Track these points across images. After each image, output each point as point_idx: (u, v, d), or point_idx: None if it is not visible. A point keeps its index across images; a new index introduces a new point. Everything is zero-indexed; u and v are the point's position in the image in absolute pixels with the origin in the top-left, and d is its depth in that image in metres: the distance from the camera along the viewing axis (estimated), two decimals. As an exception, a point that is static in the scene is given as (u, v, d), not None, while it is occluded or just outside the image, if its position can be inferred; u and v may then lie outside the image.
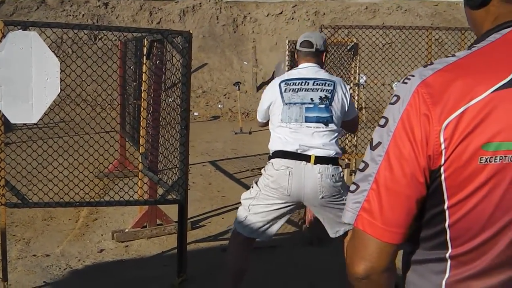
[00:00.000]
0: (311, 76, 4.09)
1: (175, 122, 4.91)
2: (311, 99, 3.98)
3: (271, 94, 4.13)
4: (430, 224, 1.38)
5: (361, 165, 1.40)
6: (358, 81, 6.81)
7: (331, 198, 3.88)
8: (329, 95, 4.01)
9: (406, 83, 1.35)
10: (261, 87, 17.83)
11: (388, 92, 8.58)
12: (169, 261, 5.01)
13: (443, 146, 1.28)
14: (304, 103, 3.98)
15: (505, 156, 1.26)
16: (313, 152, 3.85)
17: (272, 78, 12.62)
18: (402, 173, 1.32)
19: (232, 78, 17.52)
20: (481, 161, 1.27)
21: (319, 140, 3.91)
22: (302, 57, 4.20)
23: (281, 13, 19.63)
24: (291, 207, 3.95)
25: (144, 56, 5.57)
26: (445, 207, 1.33)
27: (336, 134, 4.01)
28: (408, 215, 1.34)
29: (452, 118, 1.27)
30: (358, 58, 6.68)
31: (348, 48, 6.64)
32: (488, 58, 1.33)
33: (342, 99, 4.06)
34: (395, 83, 12.53)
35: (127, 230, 5.76)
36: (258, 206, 3.94)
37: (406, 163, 1.31)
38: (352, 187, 1.41)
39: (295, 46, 4.51)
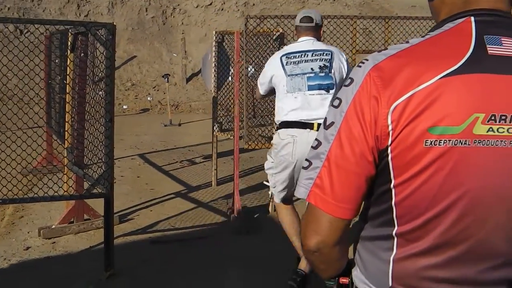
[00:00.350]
0: (309, 48, 4.42)
1: (100, 116, 4.85)
2: (312, 68, 4.33)
3: (272, 68, 4.47)
4: (378, 201, 1.44)
5: (314, 143, 1.46)
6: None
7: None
8: (327, 63, 4.35)
9: (360, 66, 1.42)
10: (190, 78, 17.76)
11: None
12: (97, 256, 4.96)
13: (390, 128, 1.34)
14: (305, 73, 4.33)
15: (449, 140, 1.32)
16: (316, 120, 4.21)
17: (200, 71, 12.61)
18: (351, 152, 1.38)
19: (161, 70, 17.37)
20: (426, 144, 1.32)
21: (321, 107, 4.23)
22: (302, 32, 4.51)
23: (211, 4, 19.57)
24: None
25: (68, 50, 5.48)
26: (392, 186, 1.39)
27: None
28: (358, 192, 1.41)
29: (400, 102, 1.33)
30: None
31: (274, 38, 6.68)
32: (440, 45, 1.38)
33: (340, 66, 4.41)
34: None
35: (53, 226, 5.66)
36: (278, 174, 4.41)
37: (356, 142, 1.37)
38: (305, 163, 1.47)
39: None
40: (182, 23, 19.30)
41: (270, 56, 4.87)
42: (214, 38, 7.19)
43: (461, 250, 1.39)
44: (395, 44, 2.01)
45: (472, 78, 1.32)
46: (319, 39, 4.56)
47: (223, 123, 7.47)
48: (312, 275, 4.27)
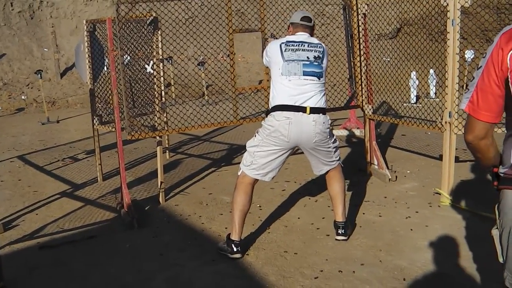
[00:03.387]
0: (306, 40, 4.96)
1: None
2: (307, 57, 4.86)
3: (273, 51, 4.93)
4: (508, 111, 2.34)
5: (471, 79, 2.35)
6: (162, 56, 6.70)
7: (321, 142, 4.84)
8: (320, 55, 4.93)
9: (497, 34, 2.27)
10: (64, 73, 17.15)
11: (192, 65, 8.63)
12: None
13: (509, 65, 2.20)
14: (302, 60, 4.84)
15: None
16: (308, 104, 4.74)
17: (74, 64, 12.16)
18: (488, 82, 2.26)
19: (33, 67, 16.66)
20: None
21: (313, 92, 4.78)
22: (301, 28, 5.05)
23: (79, -6, 18.93)
24: (287, 152, 4.91)
25: None
26: None
27: (324, 88, 4.93)
28: (495, 104, 2.28)
29: None
30: (159, 33, 6.55)
31: (148, 22, 6.49)
32: None
33: (326, 61, 5.00)
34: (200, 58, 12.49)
35: None
36: (261, 152, 4.84)
37: (491, 76, 2.25)
38: (466, 90, 2.37)
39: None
40: (51, 16, 18.56)
41: (144, 43, 5.24)
42: (85, 27, 6.90)
43: None
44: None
45: None
46: (312, 36, 5.10)
47: (103, 115, 7.21)
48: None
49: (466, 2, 5.65)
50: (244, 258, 4.77)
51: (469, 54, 13.33)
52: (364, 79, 7.00)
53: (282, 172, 7.32)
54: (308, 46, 4.93)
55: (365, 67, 6.97)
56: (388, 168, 6.96)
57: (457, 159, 7.57)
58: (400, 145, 8.86)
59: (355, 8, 6.98)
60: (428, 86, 13.79)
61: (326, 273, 4.45)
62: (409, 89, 12.95)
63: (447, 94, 5.87)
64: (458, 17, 5.72)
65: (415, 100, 13.14)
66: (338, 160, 5.15)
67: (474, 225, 5.33)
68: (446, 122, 5.86)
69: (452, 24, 5.74)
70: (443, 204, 5.90)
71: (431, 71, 13.07)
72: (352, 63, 7.19)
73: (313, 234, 5.26)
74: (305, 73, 4.81)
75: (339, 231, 5.09)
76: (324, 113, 4.83)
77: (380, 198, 6.14)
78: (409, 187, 6.61)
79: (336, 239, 5.08)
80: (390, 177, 6.76)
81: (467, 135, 2.39)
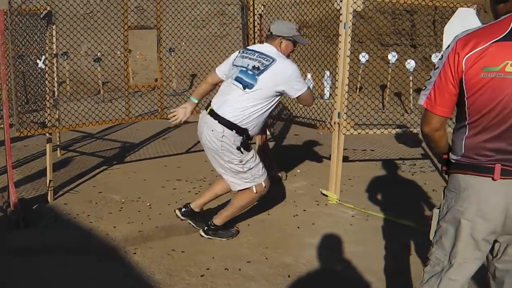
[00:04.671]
0: (258, 50, 4.88)
1: None
2: (248, 65, 4.74)
3: (231, 56, 5.02)
4: (460, 107, 2.61)
5: (429, 78, 2.66)
6: (56, 51, 6.51)
7: (211, 150, 4.79)
8: (262, 67, 4.69)
9: (454, 39, 2.55)
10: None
11: (87, 61, 8.43)
12: None
13: (464, 68, 2.49)
14: (241, 66, 4.76)
15: (492, 74, 2.44)
16: (215, 106, 4.71)
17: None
18: (445, 81, 2.57)
19: None
20: (481, 76, 2.47)
21: (232, 100, 4.66)
22: (268, 39, 5.01)
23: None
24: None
25: None
26: (465, 98, 2.55)
27: (251, 103, 4.63)
28: (449, 101, 2.60)
29: (468, 56, 2.47)
30: (54, 27, 6.36)
31: (42, 16, 6.28)
32: (492, 28, 2.51)
33: (276, 78, 4.67)
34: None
35: None
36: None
37: (447, 77, 2.56)
38: (424, 88, 2.68)
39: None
40: None
41: (38, 37, 5.29)
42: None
43: (500, 131, 2.52)
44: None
45: (506, 43, 2.44)
46: (277, 48, 4.93)
47: (-10, 112, 6.91)
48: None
49: (359, 6, 5.81)
50: (131, 257, 4.72)
51: (363, 57, 13.73)
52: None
53: (175, 170, 7.33)
54: (257, 56, 4.81)
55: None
56: (278, 167, 7.07)
57: (346, 159, 7.81)
58: (292, 145, 9.02)
59: (251, 8, 7.04)
60: (324, 87, 14.10)
61: (212, 270, 4.47)
62: (324, 87, 13.22)
63: (336, 95, 6.03)
64: (350, 20, 5.87)
65: (328, 97, 13.38)
66: (243, 184, 4.95)
67: (359, 223, 5.51)
68: (335, 123, 6.01)
69: (344, 27, 5.88)
70: (330, 202, 6.06)
71: (327, 72, 13.37)
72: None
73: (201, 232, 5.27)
74: (235, 79, 4.75)
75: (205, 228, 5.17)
76: (226, 125, 4.63)
77: (269, 197, 6.21)
78: (298, 186, 6.74)
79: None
80: (280, 176, 6.86)
81: (424, 127, 2.73)
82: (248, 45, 7.13)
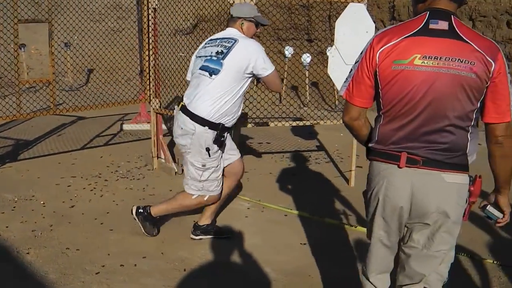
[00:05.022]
0: (220, 36, 4.70)
1: None
2: (211, 52, 4.54)
3: (197, 50, 4.80)
4: (376, 98, 2.78)
5: (350, 71, 2.84)
6: None
7: (183, 149, 4.67)
8: (225, 50, 4.48)
9: (373, 36, 2.75)
10: None
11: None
12: None
13: (377, 61, 2.67)
14: (206, 56, 4.56)
15: (402, 66, 2.61)
16: (188, 101, 4.53)
17: None
18: (361, 74, 2.75)
19: None
20: (392, 68, 2.64)
21: (202, 91, 4.46)
22: (230, 23, 4.79)
23: None
24: None
25: None
26: (380, 89, 2.72)
27: (221, 91, 4.43)
28: (366, 92, 2.77)
29: (381, 50, 2.65)
30: None
31: None
32: (407, 24, 2.70)
33: (241, 57, 4.47)
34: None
35: None
36: None
37: (364, 70, 2.74)
38: (344, 79, 2.86)
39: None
40: None
41: None
42: None
43: (407, 120, 2.67)
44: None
45: (416, 38, 2.62)
46: (239, 30, 4.75)
47: None
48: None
49: (252, 0, 5.87)
50: (24, 257, 4.59)
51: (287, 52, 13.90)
52: (152, 74, 7.03)
53: (69, 167, 7.18)
54: (219, 41, 4.61)
55: (154, 61, 7.01)
56: (175, 161, 7.06)
57: (243, 152, 7.90)
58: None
59: (145, 2, 6.98)
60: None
61: (107, 267, 4.43)
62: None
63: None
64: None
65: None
66: (191, 189, 4.81)
67: (255, 215, 5.62)
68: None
69: (236, 22, 5.93)
70: (227, 195, 6.13)
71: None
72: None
73: (96, 229, 5.20)
74: (201, 68, 4.54)
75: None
76: (198, 122, 4.45)
77: (165, 192, 6.21)
78: (195, 179, 6.75)
79: None
80: (176, 171, 6.86)
81: (344, 117, 2.90)
82: (142, 40, 7.08)
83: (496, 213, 2.86)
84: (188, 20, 15.37)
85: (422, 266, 2.80)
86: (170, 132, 9.24)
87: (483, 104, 2.62)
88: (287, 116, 10.72)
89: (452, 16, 2.64)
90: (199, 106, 4.44)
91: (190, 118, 4.46)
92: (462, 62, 2.54)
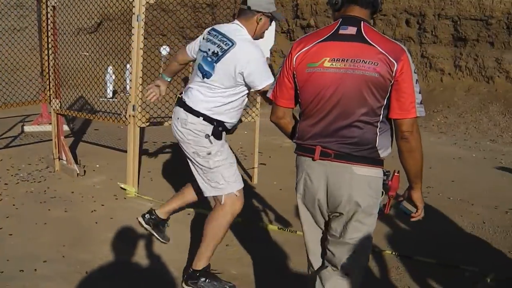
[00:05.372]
0: (223, 31, 4.11)
1: None
2: (209, 49, 4.07)
3: (200, 36, 4.28)
4: (298, 99, 3.03)
5: (276, 75, 3.14)
6: None
7: (182, 144, 4.20)
8: (220, 53, 4.00)
9: (291, 45, 3.05)
10: None
11: None
12: None
13: (294, 65, 2.94)
14: (204, 52, 4.10)
15: (313, 69, 2.88)
16: (183, 94, 4.19)
17: None
18: (283, 78, 3.02)
19: None
20: (307, 71, 2.90)
21: (194, 89, 4.10)
22: (237, 16, 4.19)
23: None
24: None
25: None
26: (298, 90, 2.98)
27: (213, 95, 4.03)
28: (287, 94, 3.05)
29: (297, 55, 2.92)
30: None
31: None
32: (320, 32, 2.97)
33: (234, 64, 3.93)
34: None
35: None
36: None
37: (285, 74, 3.01)
38: (273, 83, 3.17)
39: None
40: None
41: None
42: None
43: (320, 117, 2.90)
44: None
45: (327, 43, 2.87)
46: (251, 26, 4.15)
47: None
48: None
49: (152, -2, 5.87)
50: None
51: (164, 50, 13.83)
52: (52, 73, 6.90)
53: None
54: (219, 38, 4.07)
55: (53, 61, 6.87)
56: (77, 163, 6.97)
57: (147, 152, 7.90)
58: (91, 140, 8.86)
59: (44, 0, 6.82)
60: (125, 80, 14.03)
61: (6, 274, 4.32)
62: (106, 83, 13.09)
63: (131, 88, 6.07)
64: (143, 13, 5.91)
65: (111, 94, 13.29)
66: (211, 189, 4.24)
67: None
68: (130, 116, 6.04)
69: (137, 19, 5.91)
70: (129, 196, 6.10)
71: (128, 66, 13.30)
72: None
73: (-6, 234, 5.07)
74: (198, 67, 4.13)
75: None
76: (192, 113, 4.05)
77: (67, 194, 6.12)
78: (97, 181, 6.69)
79: None
80: (78, 172, 6.75)
81: (271, 116, 3.18)
82: (41, 39, 6.93)
83: (410, 207, 3.03)
84: (93, 19, 15.12)
85: (339, 253, 2.98)
86: (72, 133, 9.09)
87: (389, 102, 2.80)
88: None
89: (362, 22, 2.88)
90: (193, 101, 4.09)
91: (184, 109, 4.11)
92: (366, 63, 2.76)
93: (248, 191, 6.48)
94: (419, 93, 2.80)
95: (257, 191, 6.51)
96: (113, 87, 13.54)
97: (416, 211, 3.02)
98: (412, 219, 3.06)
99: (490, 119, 11.05)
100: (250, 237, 5.16)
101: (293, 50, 2.96)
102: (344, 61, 2.80)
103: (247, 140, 8.20)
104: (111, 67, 12.85)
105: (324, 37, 2.89)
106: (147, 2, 5.90)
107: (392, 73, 2.74)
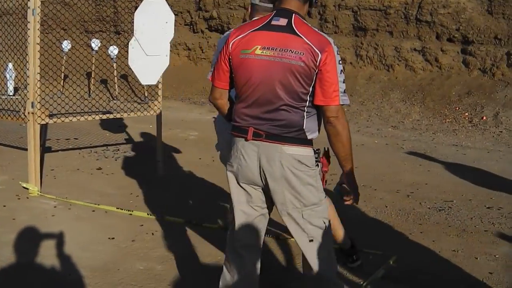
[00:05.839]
0: None
1: None
2: None
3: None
4: (233, 83, 3.19)
5: (215, 59, 3.41)
6: None
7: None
8: None
9: (227, 32, 3.56)
10: None
11: None
12: None
13: (230, 50, 3.10)
14: None
15: (246, 55, 3.05)
16: None
17: None
18: (220, 61, 3.17)
19: None
20: (240, 56, 3.07)
21: None
22: (260, 12, 3.86)
23: None
24: None
25: None
26: (233, 75, 3.14)
27: None
28: (224, 76, 3.19)
29: (233, 41, 3.10)
30: None
31: None
32: (255, 22, 3.16)
33: None
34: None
35: None
36: None
37: (222, 58, 3.16)
38: (212, 66, 3.41)
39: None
40: None
41: None
42: None
43: (252, 101, 3.08)
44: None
45: (259, 32, 3.07)
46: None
47: None
48: None
49: (46, -7, 5.73)
50: None
51: (65, 44, 13.51)
52: None
53: None
54: None
55: None
56: None
57: (49, 150, 7.71)
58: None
59: None
60: (28, 77, 13.61)
61: None
62: (6, 80, 12.65)
63: (29, 84, 5.90)
64: (39, 6, 5.76)
65: (13, 91, 12.86)
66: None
67: (62, 213, 5.50)
68: (29, 113, 5.87)
69: (33, 13, 5.75)
70: (32, 195, 5.92)
71: (9, 65, 12.88)
72: None
73: None
74: None
75: None
76: None
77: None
78: (-2, 181, 6.49)
79: None
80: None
81: (209, 97, 3.35)
82: None
83: (344, 190, 3.20)
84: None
85: (290, 223, 3.16)
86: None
87: (314, 89, 3.02)
88: (97, 110, 10.54)
89: (293, 14, 3.09)
90: None
91: None
92: (292, 52, 2.99)
93: (153, 183, 6.48)
94: (343, 82, 3.04)
95: (162, 184, 6.47)
96: (15, 83, 13.10)
97: (348, 195, 3.20)
98: (346, 203, 3.23)
99: (392, 106, 11.45)
100: (156, 230, 5.14)
101: (230, 36, 3.16)
102: (273, 49, 3.03)
103: (153, 133, 8.15)
104: (11, 63, 12.43)
105: (258, 27, 3.11)
106: (41, -4, 5.76)
107: (316, 62, 2.96)
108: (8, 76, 12.75)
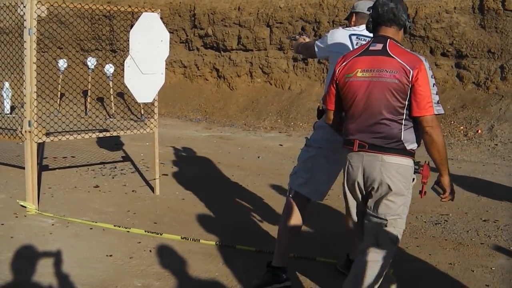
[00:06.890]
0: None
1: None
2: None
3: (340, 41, 4.33)
4: (342, 103, 3.68)
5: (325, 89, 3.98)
6: None
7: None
8: None
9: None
10: None
11: None
12: None
13: (337, 75, 3.62)
14: None
15: (350, 78, 3.54)
16: None
17: None
18: (330, 85, 3.74)
19: None
20: (345, 80, 3.57)
21: None
22: (365, 19, 4.21)
23: None
24: None
25: None
26: (340, 96, 3.64)
27: None
28: (333, 99, 3.71)
29: (339, 69, 3.62)
30: None
31: None
32: (358, 48, 3.69)
33: None
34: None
35: None
36: None
37: (331, 82, 3.70)
38: (325, 92, 3.96)
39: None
40: None
41: None
42: None
43: (357, 117, 3.53)
44: None
45: (359, 58, 3.56)
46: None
47: None
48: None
49: (43, 12, 5.77)
50: None
51: (62, 63, 13.58)
52: None
53: None
54: None
55: None
56: None
57: (46, 168, 7.73)
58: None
59: None
60: (25, 95, 13.65)
61: None
62: (3, 99, 12.71)
63: (25, 103, 5.93)
64: (35, 26, 5.80)
65: (10, 110, 12.90)
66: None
67: (59, 231, 5.51)
68: (26, 131, 5.90)
69: (29, 33, 5.79)
70: (30, 213, 5.93)
71: (6, 84, 12.95)
72: None
73: None
74: None
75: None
76: None
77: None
78: (-5, 200, 6.49)
79: None
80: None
81: (326, 120, 3.92)
82: None
83: (440, 190, 3.58)
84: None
85: (372, 226, 3.60)
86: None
87: (410, 102, 3.43)
88: (94, 128, 10.59)
89: (388, 39, 3.56)
90: None
91: None
92: (387, 72, 3.45)
93: (150, 202, 6.50)
94: (436, 94, 3.46)
95: (159, 202, 6.50)
96: (12, 102, 13.15)
97: (444, 193, 3.57)
98: (442, 200, 3.63)
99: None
100: (153, 247, 5.15)
101: (338, 63, 3.68)
102: (371, 71, 3.50)
103: (149, 151, 8.16)
104: (7, 82, 12.49)
105: (359, 53, 3.62)
106: (38, 16, 5.79)
107: (409, 78, 3.39)
108: (5, 95, 12.84)
